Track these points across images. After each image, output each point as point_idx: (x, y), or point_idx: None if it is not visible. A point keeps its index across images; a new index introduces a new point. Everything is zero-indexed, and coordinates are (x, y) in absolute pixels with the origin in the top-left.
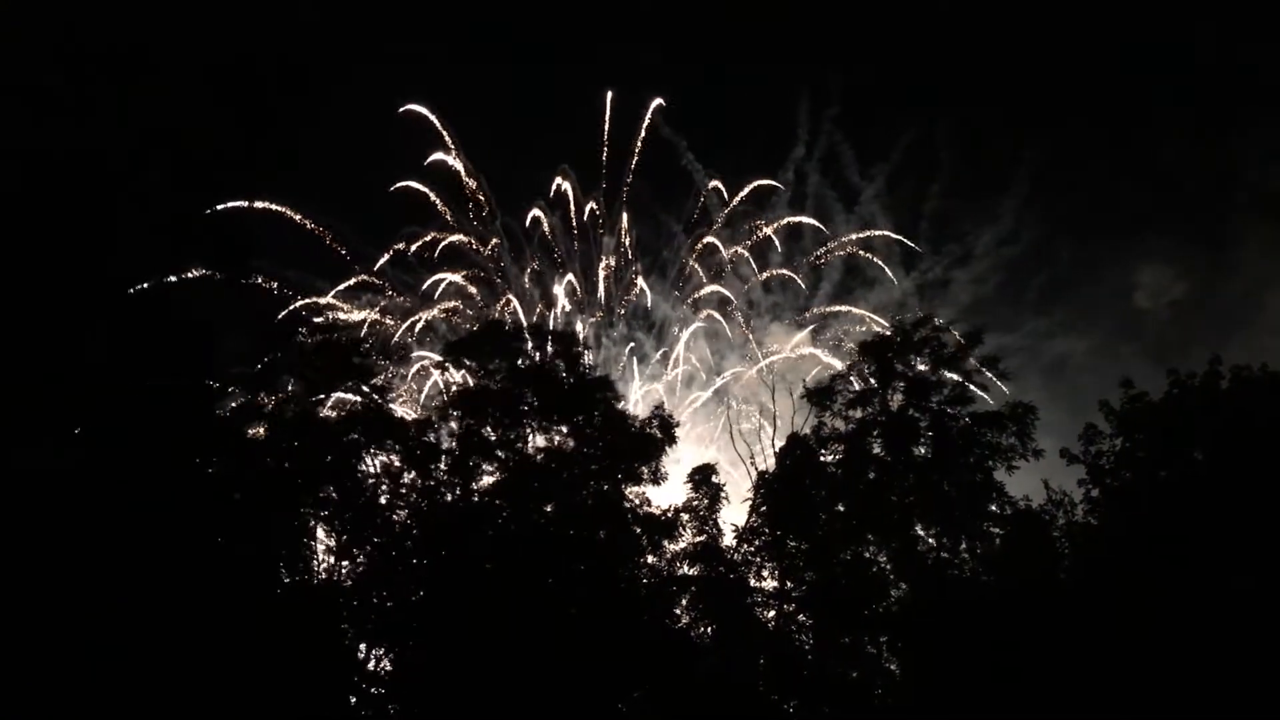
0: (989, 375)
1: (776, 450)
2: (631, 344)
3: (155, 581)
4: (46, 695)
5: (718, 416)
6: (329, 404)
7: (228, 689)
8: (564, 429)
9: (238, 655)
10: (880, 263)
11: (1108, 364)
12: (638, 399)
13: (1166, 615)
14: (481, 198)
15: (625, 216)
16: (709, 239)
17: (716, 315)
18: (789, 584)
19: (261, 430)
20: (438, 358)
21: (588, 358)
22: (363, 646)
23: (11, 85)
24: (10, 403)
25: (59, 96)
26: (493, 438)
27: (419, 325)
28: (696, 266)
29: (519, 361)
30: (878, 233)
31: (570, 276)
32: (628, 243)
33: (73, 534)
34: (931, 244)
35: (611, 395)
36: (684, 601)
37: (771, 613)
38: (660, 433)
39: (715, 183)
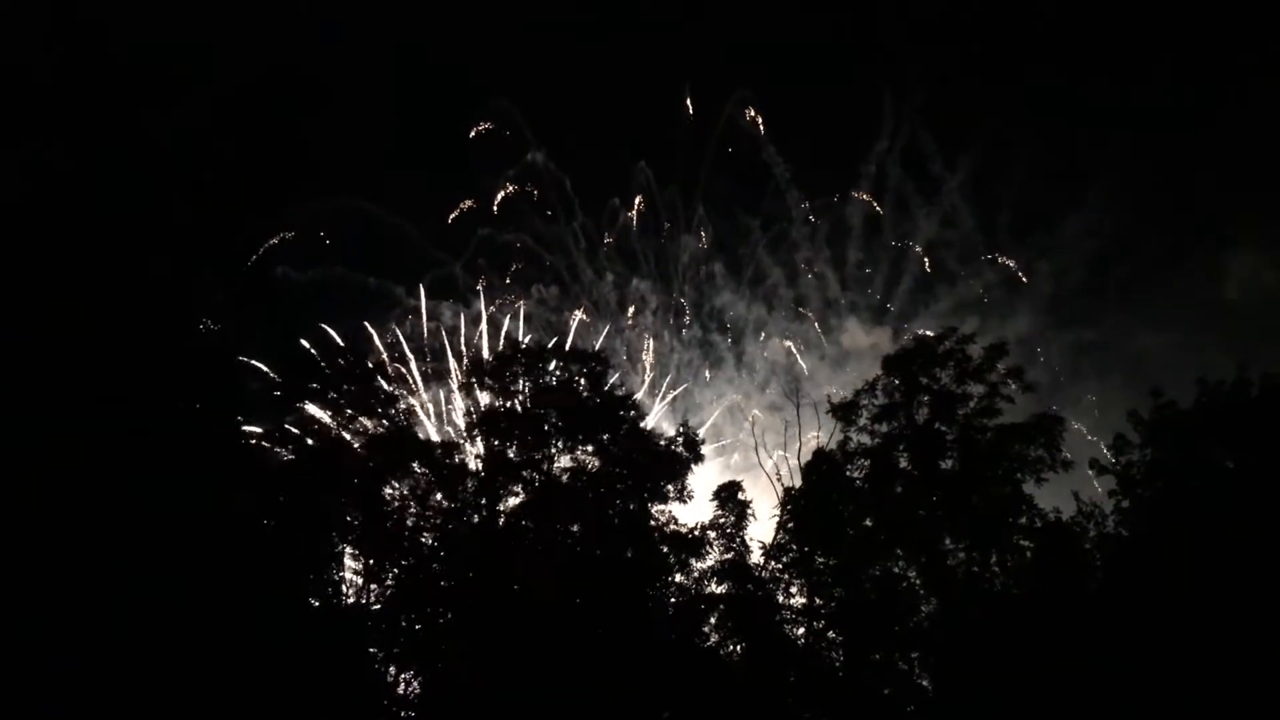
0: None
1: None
2: (705, 346)
3: (183, 607)
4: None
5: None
6: (356, 428)
7: (258, 714)
8: (589, 448)
9: (267, 679)
10: (956, 267)
11: (1193, 358)
12: (711, 403)
13: (1199, 628)
14: (559, 203)
15: (701, 213)
16: (795, 251)
17: (792, 339)
18: (818, 600)
19: (289, 454)
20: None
21: (645, 370)
22: (391, 669)
23: (31, 102)
24: (37, 431)
25: (79, 113)
26: (518, 459)
27: (499, 334)
28: (770, 271)
29: (541, 382)
30: (984, 252)
31: (645, 281)
32: (703, 242)
33: (98, 561)
34: (1014, 235)
35: (636, 414)
36: (713, 619)
37: (801, 629)
38: (686, 451)
39: (805, 202)
